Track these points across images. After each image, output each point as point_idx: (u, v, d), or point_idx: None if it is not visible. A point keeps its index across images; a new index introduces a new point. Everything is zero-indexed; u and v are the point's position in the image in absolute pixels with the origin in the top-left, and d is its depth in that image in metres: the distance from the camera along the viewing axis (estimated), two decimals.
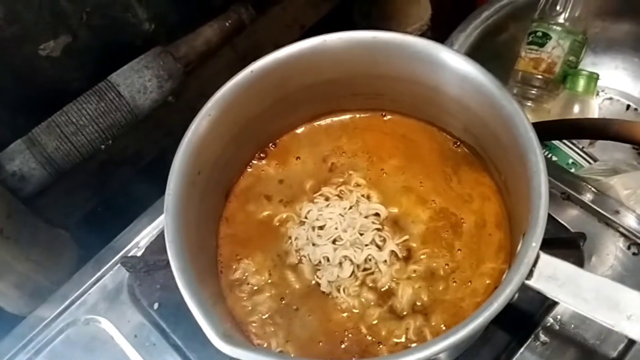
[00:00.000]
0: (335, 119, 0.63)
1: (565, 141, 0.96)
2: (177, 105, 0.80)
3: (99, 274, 0.67)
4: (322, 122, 0.63)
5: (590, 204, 0.62)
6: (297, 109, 0.61)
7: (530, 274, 0.43)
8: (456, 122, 0.58)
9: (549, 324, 0.57)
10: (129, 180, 0.88)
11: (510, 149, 0.50)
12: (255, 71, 0.54)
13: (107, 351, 0.63)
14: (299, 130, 0.63)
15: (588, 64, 1.04)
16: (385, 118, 0.62)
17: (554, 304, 0.57)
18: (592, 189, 0.62)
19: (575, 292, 0.42)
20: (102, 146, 0.87)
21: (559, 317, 0.57)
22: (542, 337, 0.56)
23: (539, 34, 0.97)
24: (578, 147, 0.95)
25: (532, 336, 0.56)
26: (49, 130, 0.82)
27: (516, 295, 0.45)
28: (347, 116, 0.63)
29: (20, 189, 0.82)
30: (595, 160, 0.94)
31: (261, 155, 0.62)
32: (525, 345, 0.56)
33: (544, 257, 0.44)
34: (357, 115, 0.63)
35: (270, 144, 0.62)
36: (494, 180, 0.57)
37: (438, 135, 0.60)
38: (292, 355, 0.52)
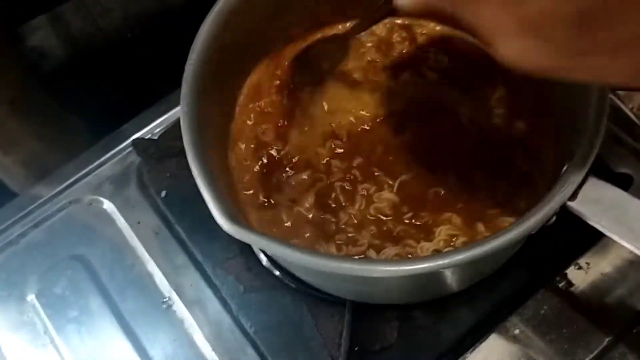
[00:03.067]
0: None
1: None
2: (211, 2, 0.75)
3: (108, 155, 0.64)
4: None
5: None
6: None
7: (574, 195, 0.39)
8: None
9: (577, 268, 0.52)
10: (152, 76, 0.85)
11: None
12: None
13: (107, 234, 0.60)
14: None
15: None
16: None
17: (584, 247, 0.53)
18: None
19: (621, 219, 0.38)
20: (129, 34, 0.83)
21: (588, 262, 0.53)
22: (567, 280, 0.52)
23: None
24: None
25: (557, 277, 0.52)
26: (76, 9, 0.78)
27: (554, 218, 0.40)
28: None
29: (38, 65, 0.79)
30: None
31: None
32: (548, 285, 0.52)
33: (592, 180, 0.39)
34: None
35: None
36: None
37: None
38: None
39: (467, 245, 0.38)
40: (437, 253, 0.44)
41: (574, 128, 0.44)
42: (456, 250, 0.38)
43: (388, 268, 0.38)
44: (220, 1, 0.48)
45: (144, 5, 0.81)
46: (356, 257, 0.48)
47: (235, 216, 0.41)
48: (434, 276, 0.44)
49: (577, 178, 0.39)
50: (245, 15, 0.50)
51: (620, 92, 0.63)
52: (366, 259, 0.47)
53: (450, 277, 0.45)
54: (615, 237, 0.38)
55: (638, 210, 0.38)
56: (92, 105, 0.80)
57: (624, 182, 0.54)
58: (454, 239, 0.47)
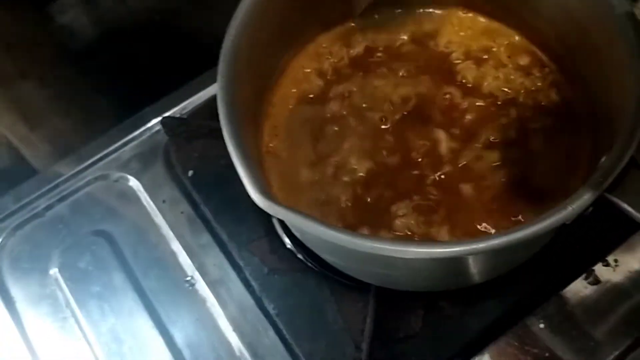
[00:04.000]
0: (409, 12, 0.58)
1: None
2: None
3: (136, 133, 0.64)
4: (397, 11, 0.58)
5: None
6: None
7: (615, 187, 0.38)
8: (548, 29, 0.52)
9: (604, 265, 0.52)
10: (180, 57, 0.85)
11: (610, 62, 0.45)
12: None
13: (132, 211, 0.60)
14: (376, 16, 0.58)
15: None
16: (465, 14, 0.57)
17: (613, 244, 0.52)
18: None
19: None
20: (157, 17, 0.83)
21: (616, 259, 0.52)
22: (594, 277, 0.52)
23: None
24: None
25: (584, 274, 0.52)
26: None
27: (590, 209, 0.40)
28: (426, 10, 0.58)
29: (68, 43, 0.79)
30: None
31: None
32: (576, 280, 0.51)
33: (635, 172, 0.39)
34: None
35: None
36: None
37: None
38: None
39: (500, 232, 0.37)
40: (471, 238, 0.43)
41: (612, 120, 0.44)
42: (490, 236, 0.38)
43: (421, 250, 0.38)
44: None
45: None
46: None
47: (267, 193, 0.41)
48: (464, 263, 0.43)
49: (616, 169, 0.38)
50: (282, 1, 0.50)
51: None
52: (399, 239, 0.46)
53: (480, 265, 0.45)
54: None
55: None
56: (121, 85, 0.80)
57: None
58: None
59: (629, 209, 0.38)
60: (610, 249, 0.52)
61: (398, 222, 0.48)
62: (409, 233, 0.48)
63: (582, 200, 0.38)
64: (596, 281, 0.52)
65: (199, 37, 0.81)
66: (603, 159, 0.40)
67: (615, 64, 0.44)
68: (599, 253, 0.52)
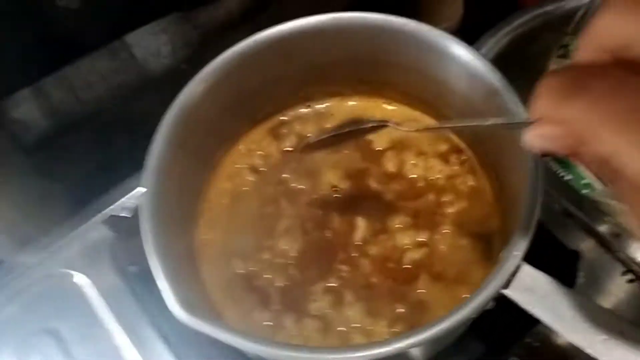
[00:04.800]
0: (335, 103, 0.62)
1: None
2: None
3: (81, 228, 0.65)
4: (322, 106, 0.61)
5: (591, 224, 0.59)
6: (299, 87, 0.59)
7: (508, 283, 0.41)
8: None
9: (527, 341, 0.54)
10: (134, 144, 0.87)
11: (512, 158, 0.48)
12: (259, 41, 0.52)
13: (78, 307, 0.61)
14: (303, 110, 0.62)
15: None
16: (388, 107, 0.60)
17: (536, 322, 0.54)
18: (599, 210, 0.59)
19: (552, 307, 0.40)
20: (110, 105, 0.86)
21: (539, 335, 0.54)
22: (518, 354, 0.54)
23: (571, 47, 0.94)
24: None
25: (509, 352, 0.54)
26: (58, 82, 0.82)
27: (491, 303, 0.42)
28: (351, 102, 0.61)
29: (22, 137, 0.81)
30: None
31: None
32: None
33: (526, 268, 0.41)
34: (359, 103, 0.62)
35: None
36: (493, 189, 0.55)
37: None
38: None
39: (399, 336, 0.39)
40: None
41: (514, 197, 0.46)
42: (390, 340, 0.40)
43: (335, 356, 0.40)
44: (187, 87, 0.51)
45: (124, 77, 0.84)
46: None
47: (195, 303, 0.43)
48: None
49: (510, 266, 0.41)
50: (207, 105, 0.53)
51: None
52: (315, 347, 0.48)
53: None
54: (547, 324, 0.40)
55: (568, 300, 0.40)
56: (73, 173, 0.82)
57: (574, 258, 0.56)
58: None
59: (522, 304, 0.40)
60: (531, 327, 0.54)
61: (314, 305, 0.51)
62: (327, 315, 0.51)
63: (479, 300, 0.40)
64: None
65: (148, 119, 0.84)
66: (500, 254, 0.43)
67: (516, 161, 0.47)
68: (526, 327, 0.55)
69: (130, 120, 0.87)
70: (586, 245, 0.58)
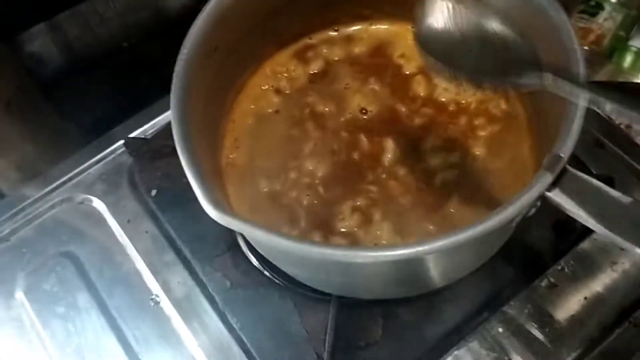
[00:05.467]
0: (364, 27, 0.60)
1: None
2: None
3: (100, 155, 0.65)
4: (350, 29, 0.60)
5: (623, 154, 0.58)
6: (327, 8, 0.58)
7: (553, 186, 0.39)
8: None
9: (559, 267, 0.53)
10: (147, 82, 0.86)
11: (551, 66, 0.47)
12: None
13: (97, 232, 0.61)
14: (331, 34, 0.60)
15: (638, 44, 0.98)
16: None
17: (568, 247, 0.53)
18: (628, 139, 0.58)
19: (601, 210, 0.39)
20: (125, 44, 0.85)
21: (571, 262, 0.53)
22: (550, 280, 0.53)
23: (592, 3, 0.92)
24: None
25: (540, 277, 0.53)
26: (73, 18, 0.80)
27: (533, 210, 0.41)
28: (380, 26, 0.60)
29: (36, 71, 0.80)
30: None
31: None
32: (532, 284, 0.52)
33: (572, 171, 0.40)
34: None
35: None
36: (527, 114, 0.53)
37: None
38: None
39: (445, 233, 0.38)
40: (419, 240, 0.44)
41: (552, 127, 0.45)
42: (436, 237, 0.38)
43: (371, 254, 0.39)
44: (212, 2, 0.49)
45: (141, 15, 0.82)
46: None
47: (221, 204, 0.42)
48: (417, 266, 0.44)
49: (555, 169, 0.39)
50: (236, 17, 0.51)
51: None
52: (349, 245, 0.47)
53: (432, 268, 0.46)
54: (594, 227, 0.39)
55: (614, 201, 0.39)
56: (88, 110, 0.81)
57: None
58: None
59: (566, 207, 0.39)
60: (561, 255, 0.53)
61: (342, 223, 0.50)
62: (355, 234, 0.49)
63: (522, 201, 0.39)
64: (552, 286, 0.53)
65: (164, 63, 0.82)
66: (545, 159, 0.41)
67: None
68: (551, 259, 0.53)
69: (147, 62, 0.86)
70: (617, 174, 0.57)
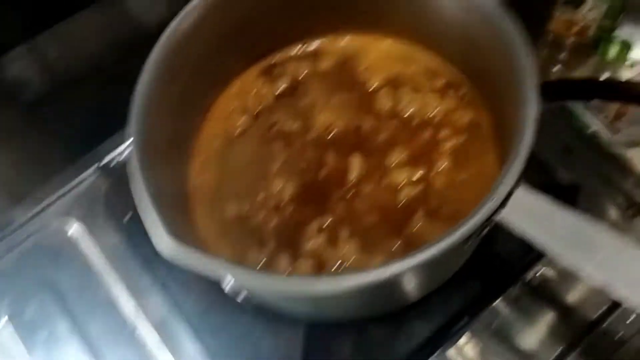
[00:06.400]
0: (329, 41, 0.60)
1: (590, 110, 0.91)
2: None
3: (77, 179, 0.65)
4: (315, 44, 0.60)
5: (591, 160, 0.57)
6: (291, 22, 0.57)
7: (502, 206, 0.39)
8: (457, 52, 0.54)
9: (529, 279, 0.53)
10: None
11: (507, 83, 0.47)
12: None
13: (74, 257, 0.61)
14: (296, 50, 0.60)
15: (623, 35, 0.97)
16: (382, 43, 0.59)
17: (537, 258, 0.53)
18: (599, 146, 0.57)
19: (548, 229, 0.39)
20: (106, 61, 0.85)
21: (540, 273, 0.53)
22: (520, 291, 0.53)
23: None
24: (603, 116, 0.90)
25: (510, 288, 0.53)
26: (53, 39, 0.81)
27: (487, 229, 0.41)
28: (345, 39, 0.60)
29: (18, 94, 0.81)
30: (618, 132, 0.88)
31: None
32: (501, 296, 0.52)
33: (522, 191, 0.40)
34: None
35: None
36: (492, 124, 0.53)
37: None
38: None
39: (386, 262, 0.38)
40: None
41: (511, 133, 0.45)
42: (378, 267, 0.38)
43: (329, 283, 0.39)
44: (175, 21, 0.49)
45: (118, 32, 0.83)
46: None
47: (182, 236, 0.42)
48: (377, 290, 0.44)
49: (506, 187, 0.39)
50: (203, 33, 0.51)
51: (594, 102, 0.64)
52: (308, 275, 0.47)
53: (392, 292, 0.46)
54: (541, 247, 0.39)
55: (565, 221, 0.38)
56: (70, 130, 0.81)
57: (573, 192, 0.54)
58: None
59: (515, 226, 0.39)
60: (531, 265, 0.53)
61: (309, 244, 0.50)
62: (322, 254, 0.49)
63: (473, 221, 0.38)
64: (521, 295, 0.53)
65: None
66: (498, 178, 0.41)
67: (511, 86, 0.45)
68: (521, 270, 0.53)
69: (127, 77, 0.86)
70: (587, 181, 0.56)
